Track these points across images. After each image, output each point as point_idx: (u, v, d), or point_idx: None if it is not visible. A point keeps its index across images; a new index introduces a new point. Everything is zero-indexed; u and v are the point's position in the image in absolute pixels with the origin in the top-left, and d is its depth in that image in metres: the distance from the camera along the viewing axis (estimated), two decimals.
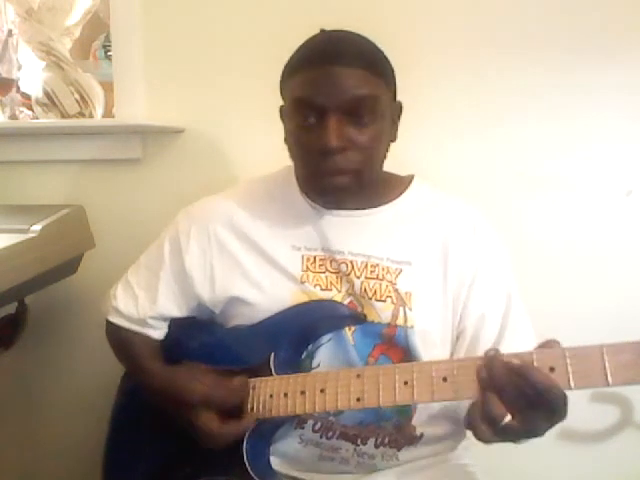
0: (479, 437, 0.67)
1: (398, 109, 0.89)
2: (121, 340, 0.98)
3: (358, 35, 0.85)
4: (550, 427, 0.66)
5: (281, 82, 0.87)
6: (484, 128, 1.22)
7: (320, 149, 0.80)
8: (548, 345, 0.67)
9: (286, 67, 0.86)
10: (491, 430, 0.65)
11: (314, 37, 0.86)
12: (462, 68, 1.21)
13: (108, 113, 1.43)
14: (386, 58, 0.85)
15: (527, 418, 0.64)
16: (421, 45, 1.22)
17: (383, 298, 0.86)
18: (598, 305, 1.20)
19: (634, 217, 1.21)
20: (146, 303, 0.95)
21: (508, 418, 0.64)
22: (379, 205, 0.91)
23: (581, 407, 1.24)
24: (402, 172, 0.96)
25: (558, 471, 1.29)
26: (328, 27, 0.86)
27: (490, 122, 1.22)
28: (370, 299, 0.86)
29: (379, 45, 0.85)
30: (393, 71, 0.87)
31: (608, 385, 0.61)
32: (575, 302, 1.22)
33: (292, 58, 0.85)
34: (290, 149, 0.87)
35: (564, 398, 0.64)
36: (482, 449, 0.96)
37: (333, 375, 0.78)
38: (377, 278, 0.87)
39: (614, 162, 1.20)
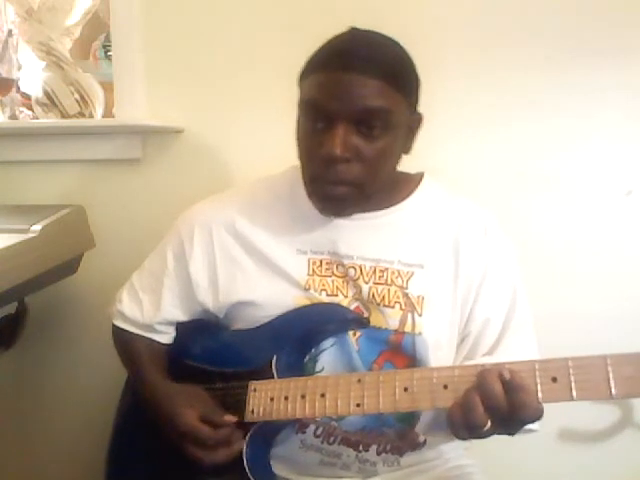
0: (458, 437, 0.69)
1: (417, 121, 0.86)
2: (125, 345, 0.97)
3: (387, 39, 0.81)
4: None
5: (300, 75, 0.83)
6: (484, 128, 1.22)
7: (324, 156, 0.78)
8: None
9: (307, 62, 0.82)
10: (470, 434, 0.67)
11: (341, 35, 0.81)
12: (462, 68, 1.21)
13: (108, 113, 1.43)
14: (411, 68, 0.82)
15: (504, 427, 0.66)
16: (420, 44, 1.21)
17: (391, 304, 0.84)
18: (598, 305, 1.20)
19: (634, 217, 1.21)
20: (150, 308, 0.94)
21: (488, 426, 0.65)
22: (389, 206, 0.88)
23: (581, 407, 1.24)
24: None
25: (558, 471, 1.29)
26: (330, 29, 0.83)
27: (490, 122, 1.22)
28: (378, 305, 0.84)
29: None
30: (418, 82, 0.83)
31: (611, 398, 0.60)
32: (575, 302, 1.22)
33: (314, 54, 0.81)
34: (298, 146, 0.85)
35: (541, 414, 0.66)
36: (482, 449, 0.96)
37: (334, 380, 0.77)
38: (386, 283, 0.85)
39: (614, 162, 1.20)
